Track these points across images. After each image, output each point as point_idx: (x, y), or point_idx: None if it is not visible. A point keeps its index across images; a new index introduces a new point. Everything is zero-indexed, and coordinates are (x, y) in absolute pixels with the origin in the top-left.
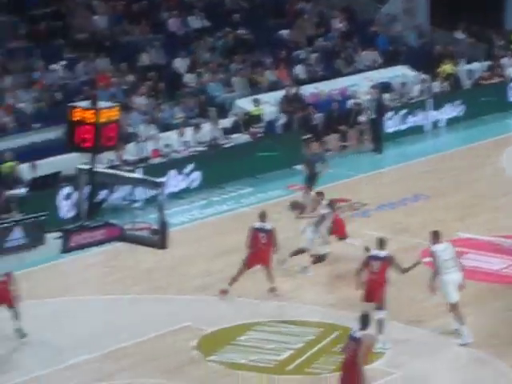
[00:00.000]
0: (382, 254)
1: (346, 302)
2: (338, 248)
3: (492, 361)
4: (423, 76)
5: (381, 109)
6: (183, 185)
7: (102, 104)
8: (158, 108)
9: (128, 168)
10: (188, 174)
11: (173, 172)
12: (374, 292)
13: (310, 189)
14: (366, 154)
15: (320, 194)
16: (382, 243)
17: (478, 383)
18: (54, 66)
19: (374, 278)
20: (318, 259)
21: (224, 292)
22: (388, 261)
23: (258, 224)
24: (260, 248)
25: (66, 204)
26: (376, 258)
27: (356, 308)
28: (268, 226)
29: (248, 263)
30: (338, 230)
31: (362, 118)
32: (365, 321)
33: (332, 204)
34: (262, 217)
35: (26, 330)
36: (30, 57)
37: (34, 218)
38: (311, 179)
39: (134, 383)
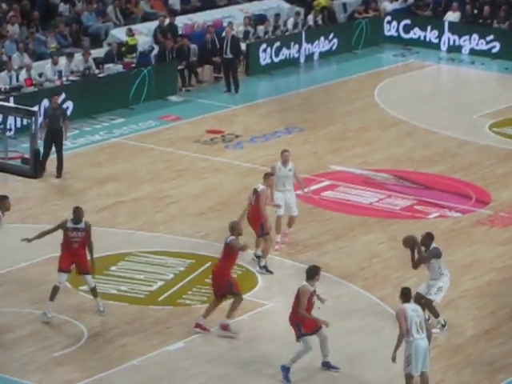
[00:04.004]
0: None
1: (218, 234)
2: (213, 180)
3: (363, 294)
4: (298, 9)
5: (237, 49)
6: None
7: None
8: (31, 37)
9: (0, 97)
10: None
11: (45, 101)
12: None
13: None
14: (241, 85)
15: None
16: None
17: (350, 316)
18: None
19: None
20: None
21: None
22: None
23: None
24: None
25: None
26: None
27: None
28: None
29: None
30: None
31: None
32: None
33: None
34: None
35: None
36: None
37: None
38: (50, 135)
39: (5, 312)
